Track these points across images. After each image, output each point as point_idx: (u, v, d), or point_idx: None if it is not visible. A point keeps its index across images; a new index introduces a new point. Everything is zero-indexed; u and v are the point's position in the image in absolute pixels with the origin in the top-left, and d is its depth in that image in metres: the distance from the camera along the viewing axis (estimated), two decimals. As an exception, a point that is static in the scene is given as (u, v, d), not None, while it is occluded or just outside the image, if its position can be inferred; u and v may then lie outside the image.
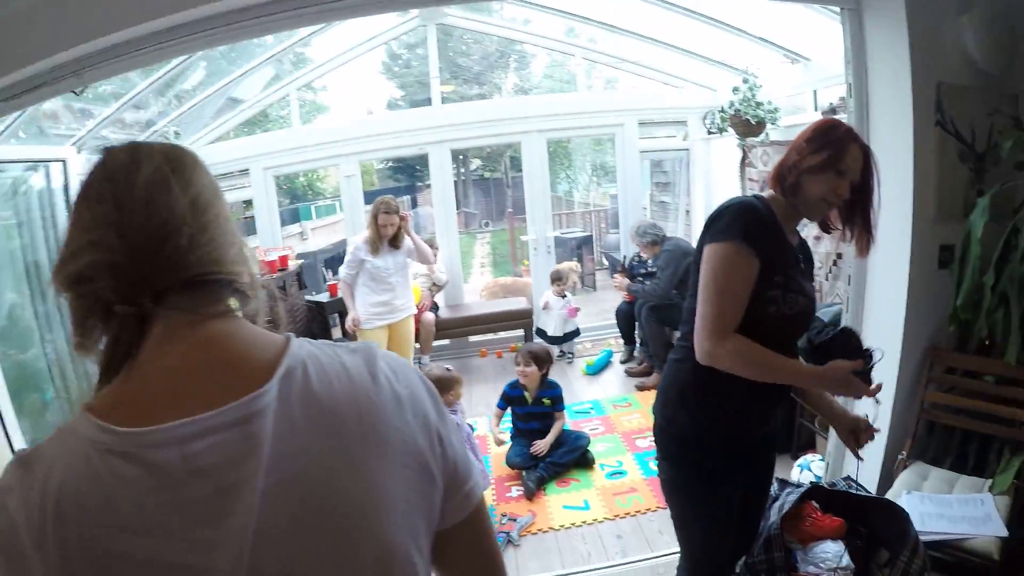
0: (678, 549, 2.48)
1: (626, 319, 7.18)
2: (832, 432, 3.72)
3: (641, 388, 6.47)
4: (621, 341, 7.42)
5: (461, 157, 23.84)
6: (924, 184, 3.19)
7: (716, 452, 2.23)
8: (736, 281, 2.05)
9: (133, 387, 0.85)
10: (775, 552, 2.41)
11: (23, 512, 0.77)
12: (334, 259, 10.35)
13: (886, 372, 3.31)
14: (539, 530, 4.19)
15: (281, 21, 3.10)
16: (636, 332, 7.10)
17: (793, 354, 2.33)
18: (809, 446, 4.41)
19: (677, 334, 2.41)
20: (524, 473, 4.74)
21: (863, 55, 3.38)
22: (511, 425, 5.17)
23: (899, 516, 2.50)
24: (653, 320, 6.51)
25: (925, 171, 3.18)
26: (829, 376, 2.07)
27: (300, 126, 8.12)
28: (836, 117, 2.98)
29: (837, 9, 3.45)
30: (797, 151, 2.18)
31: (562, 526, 4.21)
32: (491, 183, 25.90)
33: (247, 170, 7.49)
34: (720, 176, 7.22)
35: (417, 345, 6.84)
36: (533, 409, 5.03)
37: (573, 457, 4.90)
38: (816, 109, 5.74)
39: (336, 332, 6.89)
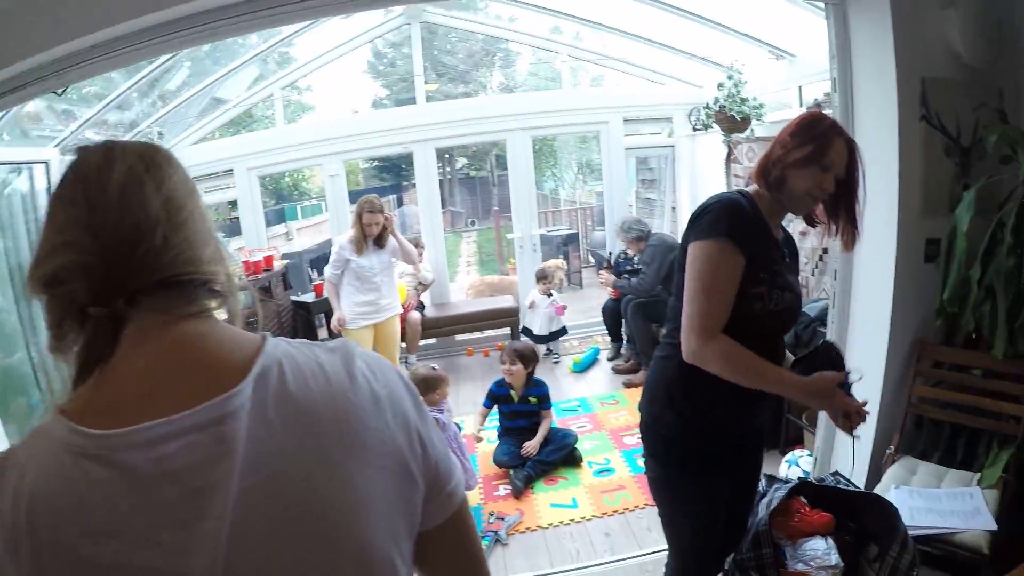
0: (666, 546, 2.47)
1: (613, 316, 7.17)
2: (820, 427, 3.74)
3: (628, 385, 6.47)
4: (608, 338, 7.41)
5: (447, 156, 23.82)
6: (910, 178, 3.18)
7: (703, 449, 2.23)
8: (721, 279, 2.04)
9: (106, 389, 0.84)
10: (764, 548, 2.40)
11: None
12: (320, 259, 10.29)
13: (874, 367, 3.32)
14: (527, 529, 4.17)
15: (263, 19, 3.07)
16: (623, 329, 7.09)
17: (780, 350, 2.34)
18: (797, 441, 4.40)
19: (664, 331, 2.40)
20: (512, 472, 4.73)
21: (848, 50, 3.37)
22: (498, 424, 5.16)
23: (888, 511, 2.49)
24: (640, 317, 6.50)
25: (910, 166, 3.18)
26: (814, 387, 2.05)
27: (284, 126, 8.08)
28: (820, 110, 2.97)
29: (822, 4, 3.44)
30: (781, 145, 2.17)
31: (550, 524, 4.20)
32: (477, 181, 25.88)
33: (231, 170, 7.44)
34: (706, 172, 7.22)
35: (403, 344, 6.82)
36: (519, 408, 5.01)
37: (561, 455, 4.89)
38: (801, 105, 5.76)
39: (322, 332, 6.87)
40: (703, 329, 2.02)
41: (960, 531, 2.72)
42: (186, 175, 0.96)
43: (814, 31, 4.34)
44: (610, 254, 7.45)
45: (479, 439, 5.06)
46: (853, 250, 2.35)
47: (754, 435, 2.44)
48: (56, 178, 0.91)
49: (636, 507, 4.30)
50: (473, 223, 23.28)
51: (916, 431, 3.42)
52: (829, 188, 2.13)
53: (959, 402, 3.23)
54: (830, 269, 3.69)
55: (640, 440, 2.40)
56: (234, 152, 7.45)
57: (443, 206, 9.89)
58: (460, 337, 8.08)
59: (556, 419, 5.38)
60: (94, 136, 5.65)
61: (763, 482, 2.66)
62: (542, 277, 7.40)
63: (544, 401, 5.02)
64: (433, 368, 4.53)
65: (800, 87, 5.84)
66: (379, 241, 5.39)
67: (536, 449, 4.82)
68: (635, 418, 2.38)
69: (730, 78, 6.23)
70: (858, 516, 2.61)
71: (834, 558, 2.38)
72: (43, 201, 5.13)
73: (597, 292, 9.84)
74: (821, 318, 4.34)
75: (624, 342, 7.17)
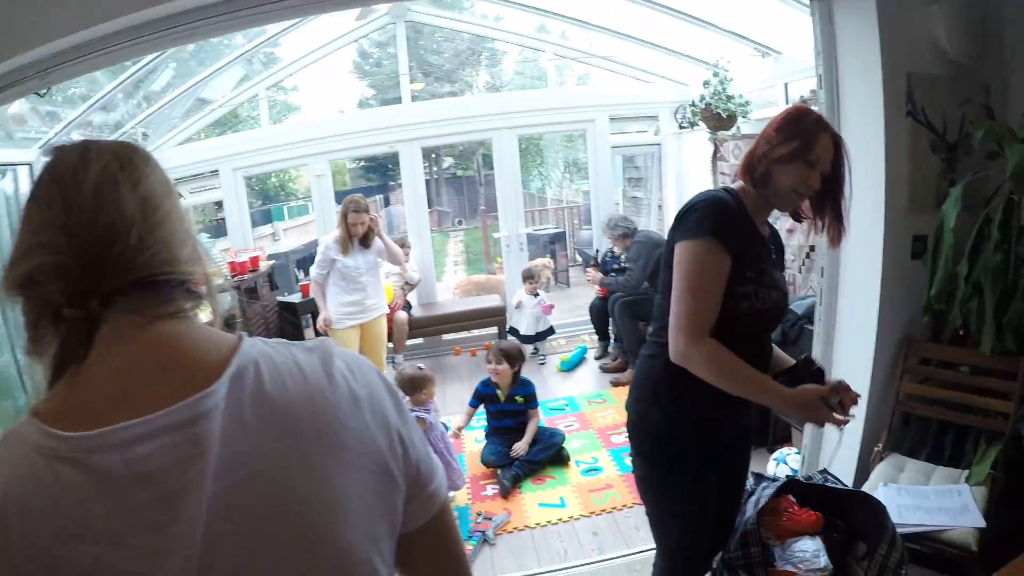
0: (654, 545, 2.46)
1: (600, 315, 7.16)
2: (808, 425, 3.72)
3: (616, 384, 6.46)
4: (595, 337, 7.40)
5: (433, 155, 23.82)
6: (896, 175, 3.18)
7: (690, 448, 2.22)
8: (708, 279, 2.02)
9: (80, 391, 0.82)
10: (752, 547, 2.38)
11: None
12: (306, 259, 10.26)
13: (861, 364, 3.32)
14: (515, 528, 4.16)
15: (244, 19, 3.06)
16: (610, 328, 7.08)
17: (768, 349, 2.33)
18: (785, 439, 4.40)
19: (650, 329, 2.38)
20: (499, 471, 4.71)
21: (833, 46, 3.36)
22: (485, 424, 5.14)
23: (876, 509, 2.48)
24: (627, 316, 6.50)
25: (897, 162, 3.17)
26: (799, 399, 2.03)
27: (270, 126, 8.05)
28: (806, 104, 2.94)
29: (807, 1, 3.43)
30: (766, 141, 2.15)
31: (538, 524, 4.18)
32: (464, 181, 25.88)
33: (217, 171, 7.41)
34: (692, 170, 7.22)
35: (390, 344, 6.80)
36: (506, 407, 5.00)
37: (548, 454, 4.87)
38: (787, 102, 5.76)
39: (309, 332, 6.84)
40: (690, 329, 2.00)
41: (948, 528, 2.72)
42: (164, 175, 0.95)
43: (800, 28, 4.33)
44: (597, 252, 7.44)
45: (459, 429, 5.03)
46: (839, 246, 2.33)
47: (742, 433, 2.42)
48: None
49: (624, 506, 4.28)
50: (460, 223, 23.26)
51: (904, 428, 3.42)
52: (815, 184, 2.11)
53: (947, 399, 3.22)
54: (817, 266, 3.68)
55: (627, 439, 2.38)
56: (219, 153, 7.42)
57: (430, 206, 9.89)
58: (447, 337, 8.07)
59: (543, 418, 5.37)
60: (79, 138, 5.62)
61: (751, 480, 2.65)
62: (528, 277, 7.38)
63: (531, 400, 5.01)
64: (419, 368, 4.51)
65: (786, 84, 5.85)
66: (365, 241, 5.37)
67: (525, 450, 4.80)
68: (622, 417, 2.37)
69: (716, 76, 6.24)
70: (846, 514, 2.60)
71: (823, 560, 2.36)
72: (27, 203, 5.11)
73: (584, 291, 9.84)
74: (808, 315, 4.33)
75: (611, 341, 7.15)
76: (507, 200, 7.93)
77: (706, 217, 2.05)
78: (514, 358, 4.98)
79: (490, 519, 4.21)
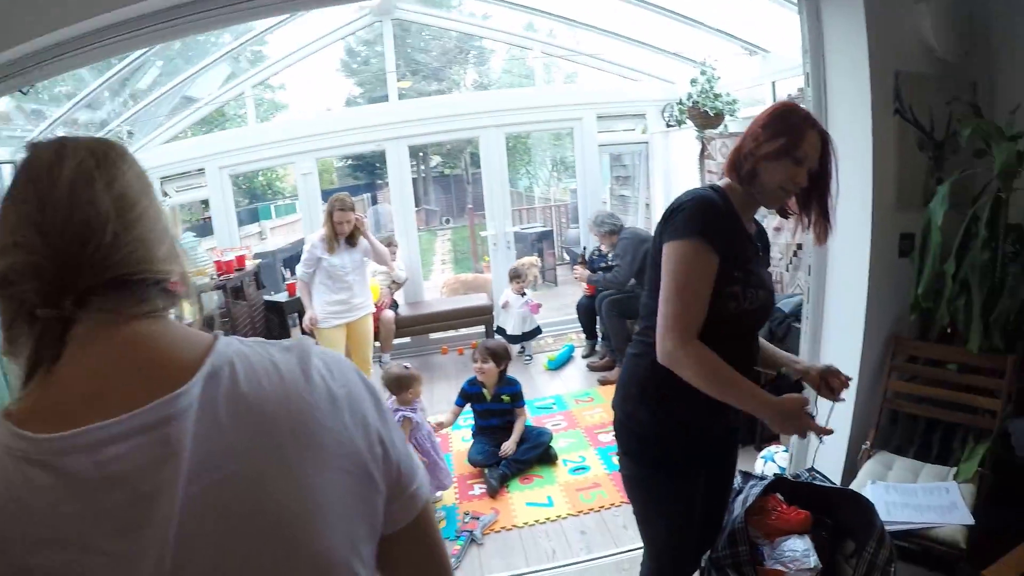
0: (642, 544, 2.45)
1: (587, 313, 7.16)
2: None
3: (603, 382, 6.46)
4: (583, 335, 7.41)
5: (421, 154, 23.78)
6: (883, 173, 3.18)
7: (677, 447, 2.20)
8: (696, 279, 2.00)
9: (53, 391, 0.81)
10: (740, 546, 2.38)
11: None
12: (293, 258, 10.24)
13: (849, 362, 3.31)
14: (502, 528, 4.14)
15: (228, 15, 3.06)
16: (597, 326, 7.07)
17: (755, 348, 2.33)
18: (773, 438, 4.39)
19: (637, 328, 2.37)
20: (486, 471, 4.69)
21: (821, 45, 3.36)
22: (472, 423, 5.12)
23: (864, 506, 2.48)
24: (614, 314, 6.49)
25: (884, 160, 3.17)
26: (782, 406, 2.00)
27: (256, 124, 7.99)
28: (792, 100, 2.93)
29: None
30: (753, 137, 2.13)
31: (526, 523, 4.17)
32: (451, 180, 25.85)
33: (203, 170, 7.37)
34: (679, 169, 7.22)
35: (377, 343, 6.78)
36: (492, 406, 4.98)
37: (535, 453, 4.86)
38: (775, 100, 5.75)
39: (296, 332, 6.83)
40: (678, 331, 1.98)
41: (937, 526, 2.72)
42: (141, 171, 0.94)
43: (787, 26, 4.34)
44: (584, 249, 7.43)
45: (440, 425, 4.96)
46: (826, 243, 2.32)
47: (729, 432, 2.41)
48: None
49: (612, 505, 4.27)
50: (448, 221, 23.24)
51: (891, 426, 3.43)
52: (802, 182, 2.10)
53: (934, 397, 3.23)
54: (804, 264, 3.68)
55: (614, 438, 2.37)
56: (206, 151, 7.37)
57: (417, 204, 9.88)
58: (434, 335, 8.05)
59: (531, 417, 5.36)
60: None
61: (738, 479, 2.64)
62: (515, 276, 7.37)
63: (517, 400, 4.99)
64: (405, 367, 4.48)
65: (773, 83, 5.86)
66: (351, 240, 5.34)
67: (513, 449, 4.79)
68: (610, 415, 2.36)
69: (703, 74, 6.25)
70: (834, 512, 2.59)
71: (812, 560, 2.36)
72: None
73: (572, 289, 9.84)
74: (796, 313, 4.34)
75: (599, 339, 7.15)
76: (494, 198, 7.91)
77: (693, 217, 2.03)
78: (500, 357, 4.96)
79: (478, 519, 4.19)
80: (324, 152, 7.98)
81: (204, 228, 8.61)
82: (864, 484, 3.03)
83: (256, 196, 20.44)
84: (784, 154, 2.06)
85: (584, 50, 8.05)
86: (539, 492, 4.54)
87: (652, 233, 2.22)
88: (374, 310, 6.07)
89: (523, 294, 7.36)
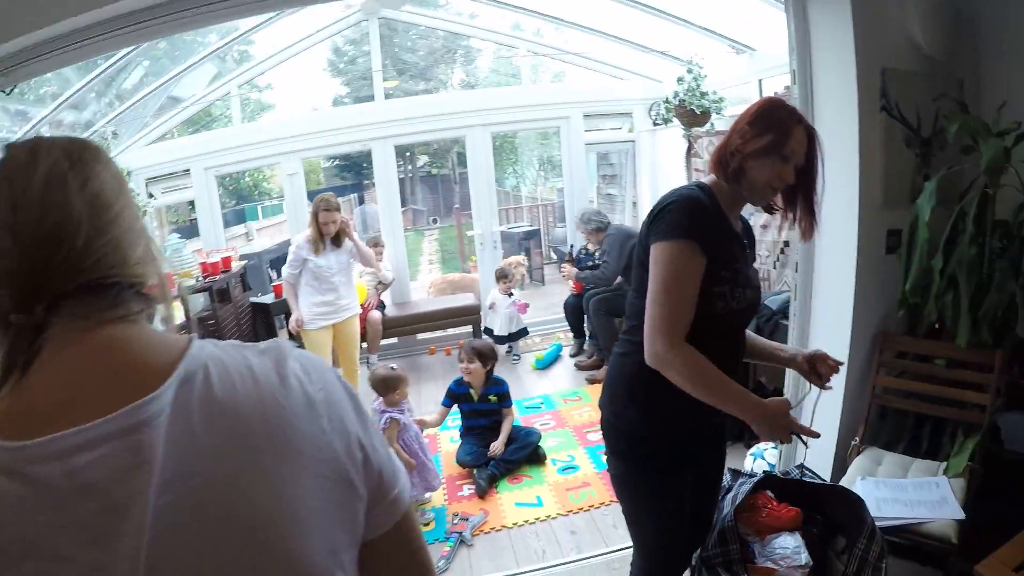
0: (632, 544, 2.44)
1: (574, 312, 7.15)
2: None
3: (592, 381, 6.46)
4: (570, 335, 7.40)
5: (408, 154, 23.72)
6: (870, 170, 3.18)
7: (665, 447, 2.20)
8: (684, 281, 1.99)
9: (24, 398, 0.79)
10: (730, 544, 2.37)
11: None
12: (279, 259, 10.17)
13: (837, 358, 3.31)
14: (492, 529, 4.13)
15: (210, 14, 3.03)
16: (585, 325, 7.07)
17: (742, 346, 2.34)
18: (762, 434, 4.39)
19: (623, 327, 2.36)
20: (475, 471, 4.68)
21: (807, 42, 3.36)
22: (459, 423, 5.10)
23: (854, 503, 2.48)
24: (602, 312, 6.49)
25: (871, 157, 3.17)
26: (767, 409, 2.00)
27: (242, 124, 7.96)
28: (779, 96, 2.92)
29: (782, -3, 3.43)
30: (739, 134, 2.12)
31: (515, 524, 4.15)
32: (439, 179, 25.79)
33: (189, 170, 7.34)
34: (666, 167, 7.23)
35: (364, 345, 6.76)
36: (479, 406, 4.96)
37: (524, 453, 4.84)
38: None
39: (283, 333, 6.80)
40: (668, 334, 1.97)
41: (928, 521, 2.72)
42: (117, 172, 0.92)
43: (774, 24, 4.34)
44: (571, 247, 7.43)
45: (422, 423, 4.91)
46: (811, 239, 2.32)
47: (717, 430, 2.41)
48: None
49: (602, 504, 4.27)
50: (435, 221, 23.17)
51: (880, 422, 3.43)
52: (789, 179, 2.09)
53: (923, 392, 3.24)
54: (791, 262, 3.69)
55: (602, 437, 2.36)
56: (191, 152, 7.34)
57: (405, 204, 9.86)
58: (422, 336, 8.03)
59: (519, 417, 5.36)
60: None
61: (728, 476, 2.64)
62: (502, 276, 7.36)
63: (504, 400, 4.97)
64: (392, 368, 4.46)
65: (760, 81, 5.87)
66: (336, 241, 5.31)
67: (502, 450, 4.77)
68: (598, 414, 2.35)
69: (690, 72, 6.26)
70: (824, 509, 2.59)
71: (804, 557, 2.35)
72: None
73: (559, 288, 9.84)
74: (783, 310, 4.34)
75: (587, 338, 7.14)
76: (481, 198, 7.90)
77: (680, 217, 2.02)
78: (486, 357, 4.94)
79: (467, 520, 4.17)
80: (310, 152, 7.94)
81: (191, 229, 8.57)
82: (854, 480, 3.03)
83: (243, 197, 20.33)
84: (771, 151, 2.05)
85: (571, 49, 8.05)
86: (528, 492, 4.53)
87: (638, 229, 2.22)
88: (360, 311, 6.04)
89: (510, 294, 7.35)
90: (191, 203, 7.63)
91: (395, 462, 0.99)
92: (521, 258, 9.75)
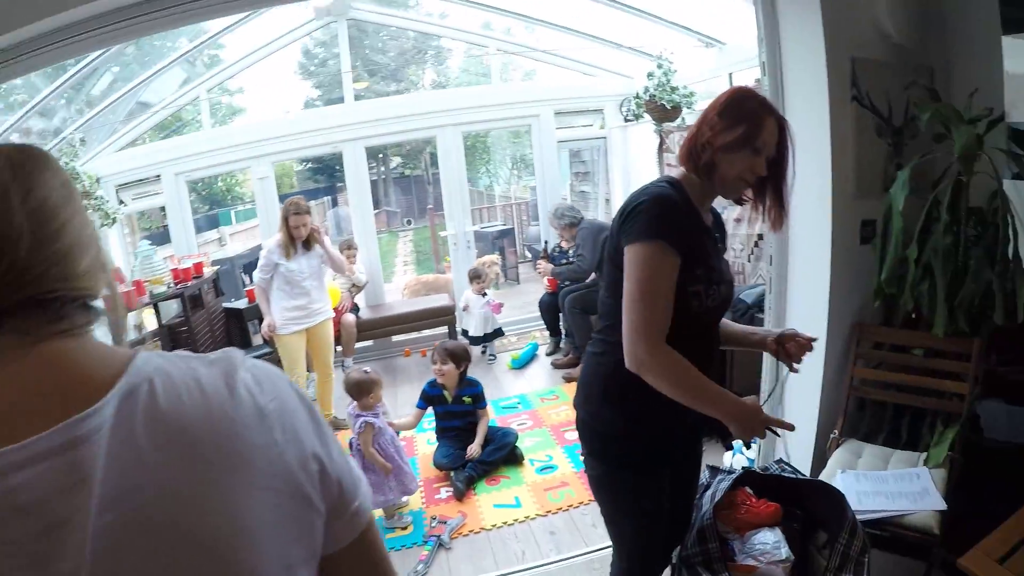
0: (611, 544, 2.41)
1: (550, 310, 7.13)
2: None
3: (568, 380, 6.44)
4: (546, 333, 7.39)
5: (381, 155, 23.69)
6: (842, 160, 3.16)
7: (641, 446, 2.17)
8: (660, 282, 1.95)
9: None
10: (710, 543, 2.34)
11: None
12: (252, 264, 10.08)
13: (814, 351, 3.29)
14: (470, 531, 4.09)
15: (178, 15, 2.98)
16: (561, 323, 7.05)
17: (717, 341, 2.31)
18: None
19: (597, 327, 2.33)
20: (452, 474, 4.64)
21: (776, 33, 3.34)
22: (435, 426, 5.05)
23: (834, 497, 2.45)
24: (577, 310, 6.47)
25: (843, 147, 3.15)
26: (745, 407, 1.99)
27: (211, 129, 7.89)
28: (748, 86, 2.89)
29: (750, -11, 3.41)
30: (709, 126, 2.07)
31: (494, 526, 4.12)
32: (412, 180, 25.75)
33: (159, 176, 7.27)
34: (638, 163, 7.22)
35: (339, 348, 6.70)
36: (453, 408, 4.91)
37: (501, 454, 4.81)
38: (731, 92, 5.77)
39: (257, 339, 6.74)
40: (648, 337, 1.93)
41: (910, 512, 2.70)
42: (64, 179, 0.87)
43: (743, 18, 4.33)
44: (546, 244, 7.40)
45: (400, 427, 4.88)
46: (781, 230, 2.30)
47: (692, 428, 2.38)
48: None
49: (580, 503, 4.24)
50: (409, 222, 23.13)
51: (859, 414, 3.41)
52: (761, 171, 2.05)
53: (901, 383, 3.22)
54: (766, 255, 3.66)
55: (578, 438, 2.33)
56: (161, 157, 7.27)
57: (378, 206, 9.83)
58: (397, 338, 7.97)
59: (496, 417, 5.33)
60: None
61: (706, 474, 2.61)
62: (475, 277, 7.31)
63: (479, 401, 4.93)
64: (366, 371, 4.39)
65: (730, 74, 5.90)
66: (308, 244, 5.26)
67: (479, 451, 4.74)
68: (575, 413, 2.31)
69: (660, 67, 6.26)
70: (805, 503, 2.57)
71: (784, 551, 2.33)
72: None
73: (534, 287, 9.82)
74: (758, 304, 4.32)
75: (563, 336, 7.12)
76: (453, 198, 7.88)
77: (652, 218, 1.97)
78: (459, 358, 4.89)
79: (445, 523, 4.13)
80: (280, 156, 7.88)
81: (163, 236, 8.49)
82: (834, 473, 3.01)
83: (216, 202, 20.21)
84: (743, 144, 2.02)
85: (541, 47, 8.05)
86: (506, 493, 4.50)
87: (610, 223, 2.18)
88: (334, 314, 6.00)
89: (484, 294, 7.30)
90: (163, 209, 7.56)
91: (355, 472, 0.95)
92: (495, 257, 9.73)
